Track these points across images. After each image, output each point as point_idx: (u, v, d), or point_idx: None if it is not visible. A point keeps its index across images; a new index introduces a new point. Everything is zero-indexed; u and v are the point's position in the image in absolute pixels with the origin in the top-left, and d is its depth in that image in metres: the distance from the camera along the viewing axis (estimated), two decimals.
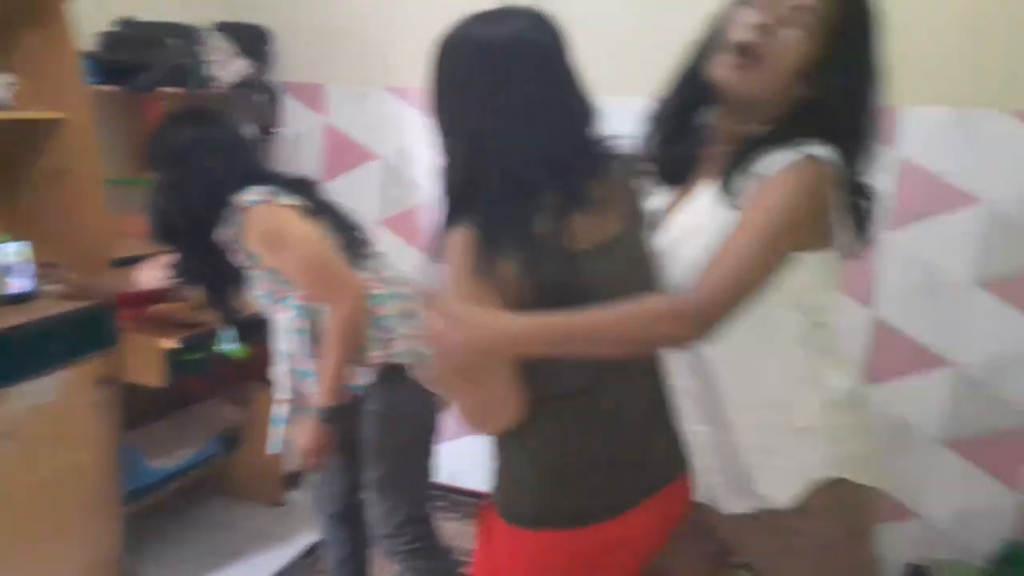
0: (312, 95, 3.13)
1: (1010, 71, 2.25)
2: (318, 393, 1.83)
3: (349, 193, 2.88)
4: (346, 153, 3.13)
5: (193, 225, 1.83)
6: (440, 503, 2.84)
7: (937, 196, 2.36)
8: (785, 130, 1.14)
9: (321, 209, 1.89)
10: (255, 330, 2.77)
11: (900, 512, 2.58)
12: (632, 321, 1.06)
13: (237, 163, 1.88)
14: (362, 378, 1.87)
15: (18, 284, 2.18)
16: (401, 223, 3.07)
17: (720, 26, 1.20)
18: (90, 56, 2.38)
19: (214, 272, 1.93)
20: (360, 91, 3.05)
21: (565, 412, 1.16)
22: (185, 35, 2.75)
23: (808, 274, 1.18)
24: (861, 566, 1.28)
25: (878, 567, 1.32)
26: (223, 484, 3.08)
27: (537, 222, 1.08)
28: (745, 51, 1.12)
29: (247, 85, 3.01)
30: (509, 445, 1.19)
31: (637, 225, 1.24)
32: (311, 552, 2.77)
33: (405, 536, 1.99)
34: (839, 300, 1.36)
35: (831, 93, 1.13)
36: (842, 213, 1.18)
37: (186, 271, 1.98)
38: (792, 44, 1.11)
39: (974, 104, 2.29)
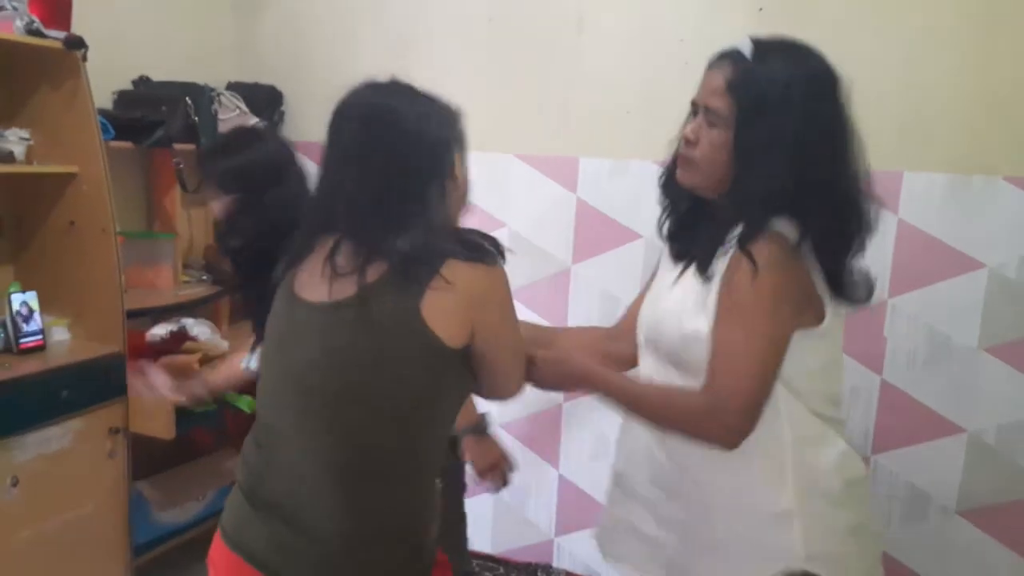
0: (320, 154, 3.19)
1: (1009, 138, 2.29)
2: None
3: None
4: None
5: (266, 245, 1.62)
6: None
7: (940, 260, 2.37)
8: (754, 211, 1.20)
9: None
10: None
11: None
12: (674, 412, 1.23)
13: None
14: None
15: (30, 334, 2.21)
16: None
17: None
18: (104, 113, 2.46)
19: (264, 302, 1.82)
20: None
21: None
22: (199, 94, 2.83)
23: (801, 353, 1.21)
24: None
25: None
26: None
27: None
28: (681, 159, 1.30)
29: None
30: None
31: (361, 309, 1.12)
32: None
33: None
34: (840, 378, 1.38)
35: (758, 178, 1.20)
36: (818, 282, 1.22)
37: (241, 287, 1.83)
38: (710, 147, 1.25)
39: (971, 170, 2.32)
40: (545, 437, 2.85)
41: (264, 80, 3.16)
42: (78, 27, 2.28)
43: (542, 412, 2.82)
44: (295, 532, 1.16)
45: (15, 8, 2.11)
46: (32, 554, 2.13)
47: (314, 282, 1.17)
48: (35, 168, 2.23)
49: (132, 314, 2.44)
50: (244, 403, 2.62)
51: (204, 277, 3.01)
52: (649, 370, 1.36)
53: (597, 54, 2.68)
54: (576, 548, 2.87)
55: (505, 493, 2.58)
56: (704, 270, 1.25)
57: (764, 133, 1.18)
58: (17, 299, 2.18)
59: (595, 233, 2.72)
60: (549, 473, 2.88)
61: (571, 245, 2.76)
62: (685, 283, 1.29)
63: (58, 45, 2.17)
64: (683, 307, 1.26)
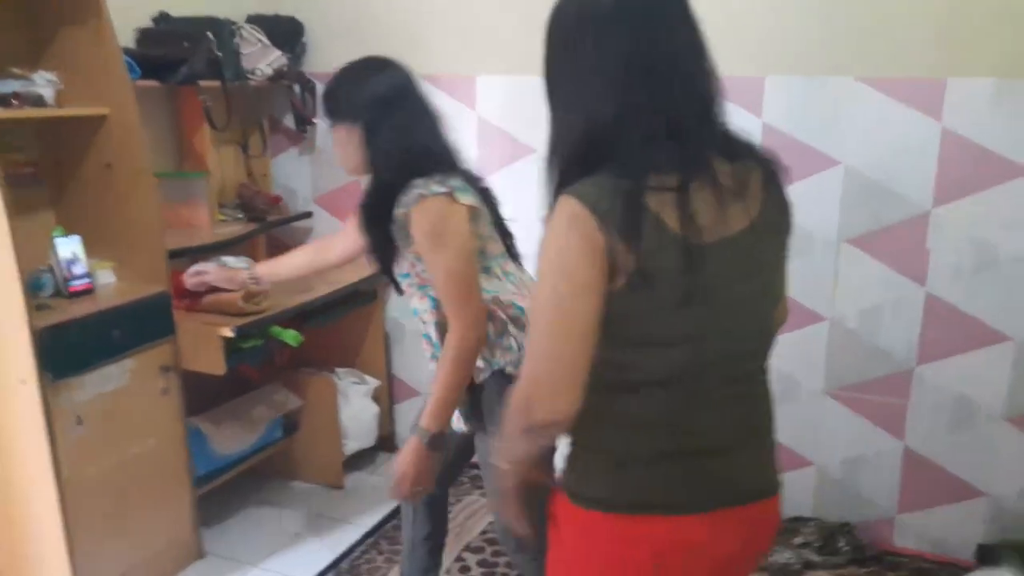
0: None
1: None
2: (428, 418, 1.72)
3: None
4: None
5: (387, 180, 1.73)
6: None
7: (986, 168, 2.33)
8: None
9: (490, 210, 1.84)
10: (310, 317, 2.82)
11: (968, 492, 2.53)
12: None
13: (439, 137, 1.79)
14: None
15: (78, 277, 2.24)
16: None
17: None
18: (128, 52, 2.43)
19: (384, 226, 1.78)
20: None
21: (645, 400, 1.12)
22: (220, 29, 2.79)
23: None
24: None
25: None
26: (284, 467, 3.13)
27: (655, 202, 1.04)
28: None
29: (283, 76, 3.05)
30: (584, 428, 1.13)
31: (766, 225, 1.14)
32: (374, 533, 2.80)
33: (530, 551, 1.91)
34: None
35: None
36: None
37: (368, 214, 1.82)
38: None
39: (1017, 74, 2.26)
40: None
41: (286, 11, 3.10)
42: None
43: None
44: (753, 450, 1.21)
45: None
46: (102, 489, 2.21)
47: (705, 219, 1.07)
48: (66, 111, 2.23)
49: (173, 254, 2.46)
50: (290, 337, 2.66)
51: (239, 216, 3.02)
52: None
53: None
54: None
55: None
56: None
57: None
58: (62, 244, 2.20)
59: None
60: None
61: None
62: None
63: None
64: None
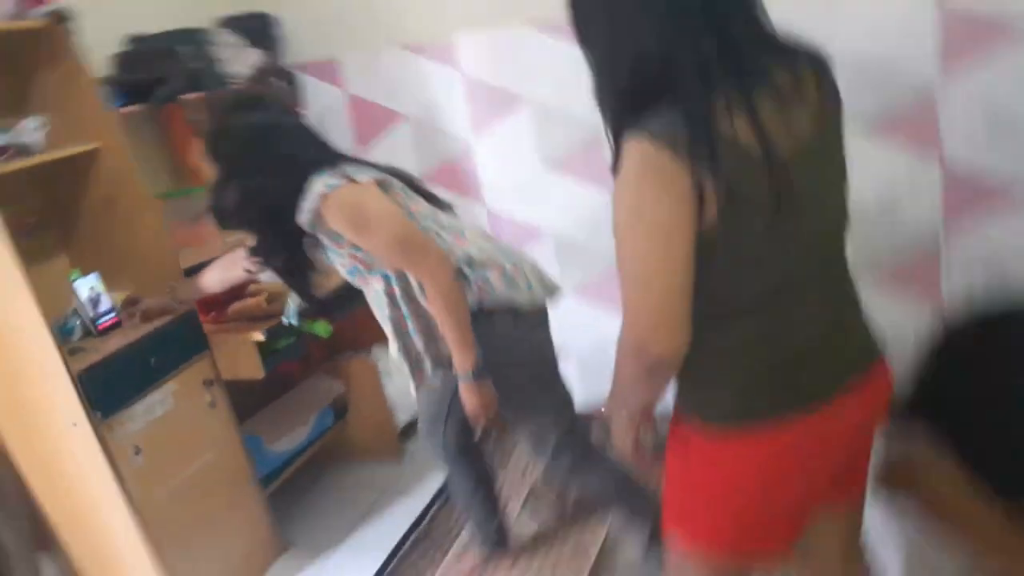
0: (328, 70, 3.13)
1: None
2: (457, 359, 1.83)
3: (385, 157, 2.89)
4: (373, 119, 3.13)
5: (270, 211, 1.83)
6: None
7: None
8: None
9: (394, 177, 1.89)
10: (334, 306, 2.85)
11: None
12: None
13: (309, 145, 1.88)
14: None
15: (103, 314, 2.28)
16: (441, 177, 3.06)
17: None
18: (106, 81, 2.43)
19: (291, 255, 1.93)
20: (375, 56, 3.03)
21: (751, 318, 1.14)
22: (193, 39, 2.77)
23: None
24: None
25: None
26: (342, 451, 3.21)
27: (725, 123, 1.02)
28: None
29: (265, 74, 3.02)
30: (696, 357, 1.15)
31: (828, 121, 1.15)
32: (440, 496, 2.87)
33: (563, 459, 2.03)
34: None
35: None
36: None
37: (265, 256, 1.97)
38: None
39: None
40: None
41: (256, 8, 3.06)
42: None
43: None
44: (851, 328, 1.25)
45: None
46: (174, 507, 2.29)
47: (777, 129, 1.06)
48: (57, 154, 2.24)
49: (189, 271, 2.49)
50: (320, 328, 2.69)
51: None
52: None
53: None
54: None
55: None
56: None
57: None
58: (82, 285, 2.24)
59: None
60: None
61: None
62: None
63: (44, 23, 2.14)
64: None
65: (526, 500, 2.70)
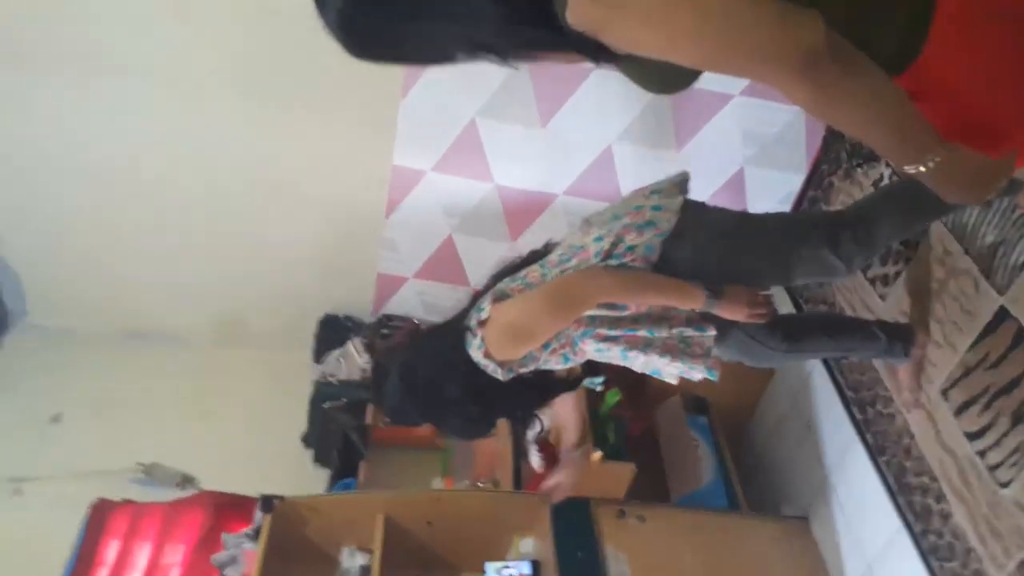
0: None
1: None
2: (692, 301, 1.77)
3: None
4: None
5: (462, 384, 1.83)
6: None
7: None
8: None
9: (495, 281, 1.92)
10: (594, 372, 2.89)
11: None
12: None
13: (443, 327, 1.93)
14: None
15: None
16: None
17: None
18: None
19: (515, 402, 1.95)
20: None
21: None
22: None
23: None
24: None
25: None
26: None
27: None
28: None
29: None
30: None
31: None
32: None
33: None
34: None
35: None
36: None
37: (511, 419, 2.01)
38: None
39: None
40: None
41: None
42: None
43: None
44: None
45: None
46: None
47: None
48: None
49: None
50: (612, 396, 2.81)
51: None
52: None
53: None
54: None
55: None
56: None
57: None
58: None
59: None
60: None
61: None
62: None
63: None
64: None
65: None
